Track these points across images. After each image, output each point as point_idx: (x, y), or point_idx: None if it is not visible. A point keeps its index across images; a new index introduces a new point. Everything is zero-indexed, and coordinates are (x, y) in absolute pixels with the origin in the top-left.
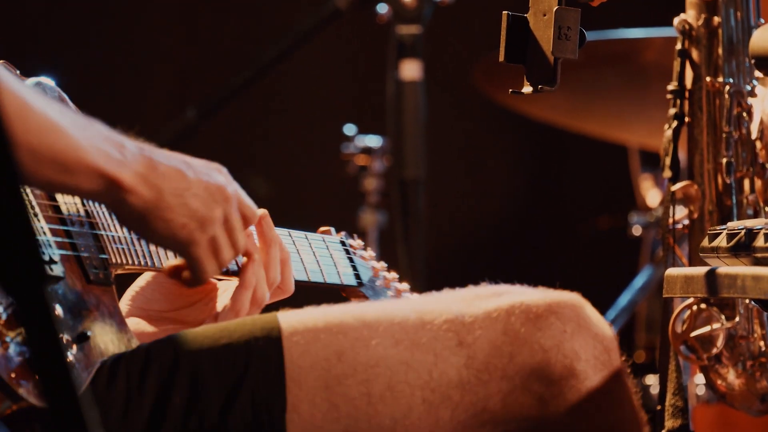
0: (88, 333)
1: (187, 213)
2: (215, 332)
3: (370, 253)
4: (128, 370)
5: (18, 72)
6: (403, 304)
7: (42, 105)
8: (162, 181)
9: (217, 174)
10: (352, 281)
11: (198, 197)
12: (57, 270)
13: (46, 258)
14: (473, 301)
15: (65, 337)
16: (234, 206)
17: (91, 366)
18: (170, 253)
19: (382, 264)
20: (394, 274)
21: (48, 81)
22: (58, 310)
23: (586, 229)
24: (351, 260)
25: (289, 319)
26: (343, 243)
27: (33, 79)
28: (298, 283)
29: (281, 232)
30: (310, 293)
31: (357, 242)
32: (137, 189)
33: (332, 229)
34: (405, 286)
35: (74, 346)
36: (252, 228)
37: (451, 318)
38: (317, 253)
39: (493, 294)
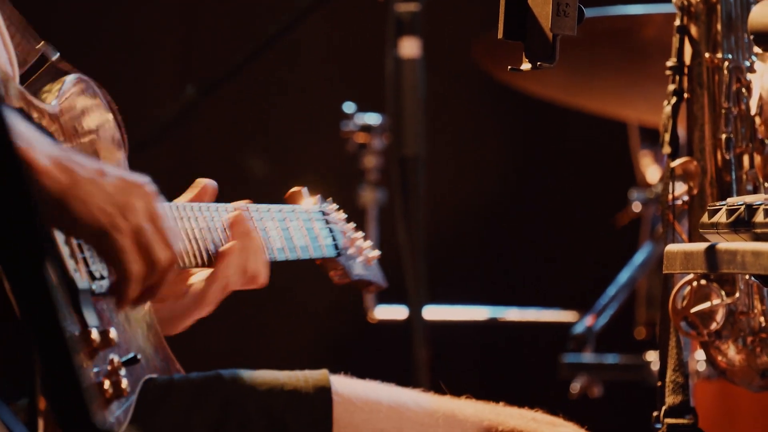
0: (138, 356)
1: (105, 198)
2: (265, 380)
3: (342, 215)
4: (178, 401)
5: (57, 55)
6: (464, 404)
7: None
8: (76, 166)
9: (138, 177)
10: (333, 252)
11: (115, 186)
12: (105, 285)
13: (97, 275)
14: (529, 423)
15: (114, 358)
16: (158, 203)
17: (137, 387)
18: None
19: (351, 225)
20: (360, 233)
21: (86, 77)
22: (113, 333)
23: (588, 212)
24: (330, 230)
25: (343, 383)
26: (322, 212)
27: (74, 75)
28: (287, 262)
29: (273, 208)
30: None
31: (331, 206)
32: (51, 171)
33: (304, 190)
34: (369, 244)
35: (123, 369)
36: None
37: (509, 430)
38: (304, 227)
39: (550, 423)
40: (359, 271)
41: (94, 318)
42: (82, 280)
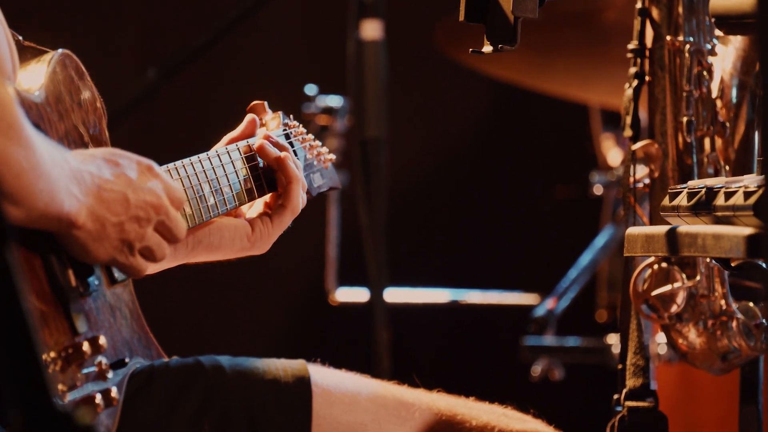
0: (126, 359)
1: (122, 238)
2: (245, 369)
3: (301, 128)
4: (160, 390)
5: (21, 38)
6: (437, 397)
7: (33, 138)
8: (106, 212)
9: (154, 182)
10: None
11: (135, 221)
12: (94, 283)
13: (83, 273)
14: (500, 418)
15: (103, 361)
16: (168, 210)
17: (123, 386)
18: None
19: (310, 136)
20: (318, 142)
21: (69, 52)
22: (102, 340)
23: (550, 195)
24: (295, 153)
25: (321, 373)
26: (287, 136)
27: (59, 51)
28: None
29: (241, 147)
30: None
31: (293, 122)
32: (86, 225)
33: (265, 103)
34: (326, 149)
35: (111, 371)
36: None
37: (481, 425)
38: None
39: (520, 419)
40: (318, 182)
41: (84, 323)
42: (70, 284)
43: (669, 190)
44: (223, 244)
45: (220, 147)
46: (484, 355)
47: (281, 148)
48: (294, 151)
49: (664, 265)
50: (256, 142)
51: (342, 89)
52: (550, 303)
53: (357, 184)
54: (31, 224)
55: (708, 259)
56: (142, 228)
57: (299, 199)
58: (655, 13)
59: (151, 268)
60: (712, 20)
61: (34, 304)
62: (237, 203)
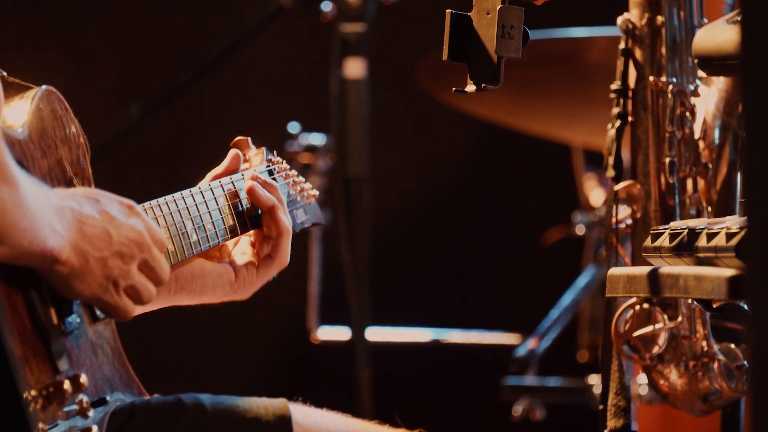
0: (107, 398)
1: (106, 274)
2: (226, 408)
3: (285, 165)
4: (143, 427)
5: (5, 74)
6: None
7: (17, 176)
8: (89, 246)
9: (136, 221)
10: None
11: (118, 256)
12: (74, 322)
13: (65, 311)
14: None
15: (84, 399)
16: (152, 248)
17: (104, 424)
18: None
19: (293, 172)
20: (301, 178)
21: (52, 89)
22: (83, 378)
23: (533, 235)
24: None
25: (302, 412)
26: (270, 172)
27: (42, 87)
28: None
29: (225, 184)
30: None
31: (276, 158)
32: (69, 260)
33: (249, 139)
34: (309, 185)
35: (92, 410)
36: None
37: None
38: None
39: None
40: (301, 218)
41: (65, 361)
42: (52, 322)
43: (651, 231)
44: (205, 290)
45: (203, 184)
46: (466, 395)
47: (270, 189)
48: None
49: (645, 305)
50: (245, 184)
51: (325, 127)
52: (531, 343)
53: (339, 222)
54: (14, 261)
55: (690, 300)
56: (126, 264)
57: (288, 253)
58: (638, 53)
59: (137, 311)
60: (695, 61)
61: (16, 343)
62: (220, 240)
